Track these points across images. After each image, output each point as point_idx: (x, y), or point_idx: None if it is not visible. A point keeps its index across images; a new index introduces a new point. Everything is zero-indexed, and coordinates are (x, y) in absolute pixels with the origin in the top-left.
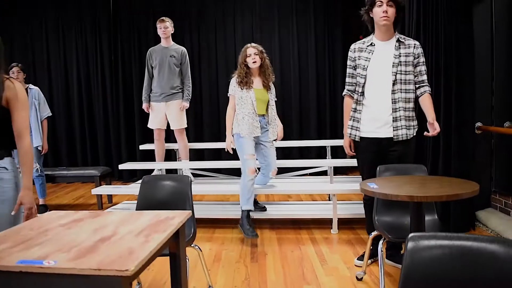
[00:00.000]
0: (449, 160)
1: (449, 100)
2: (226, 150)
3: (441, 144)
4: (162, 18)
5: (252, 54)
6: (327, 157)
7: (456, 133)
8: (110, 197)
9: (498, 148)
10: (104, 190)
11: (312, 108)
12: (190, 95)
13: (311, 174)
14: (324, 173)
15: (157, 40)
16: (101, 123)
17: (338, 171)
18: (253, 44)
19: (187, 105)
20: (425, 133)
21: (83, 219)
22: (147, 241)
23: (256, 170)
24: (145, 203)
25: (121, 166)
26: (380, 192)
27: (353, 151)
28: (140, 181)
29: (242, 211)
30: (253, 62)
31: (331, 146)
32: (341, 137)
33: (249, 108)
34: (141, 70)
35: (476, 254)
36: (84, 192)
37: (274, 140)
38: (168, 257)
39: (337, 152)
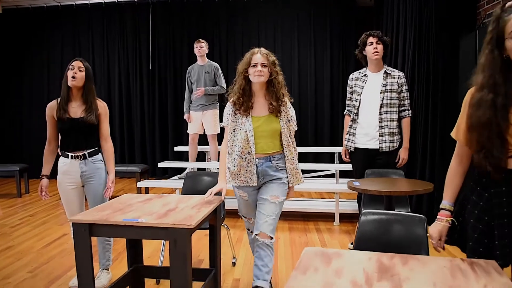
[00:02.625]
0: (434, 167)
1: (435, 119)
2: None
3: (427, 154)
4: (199, 39)
5: (259, 63)
6: (335, 162)
7: (439, 146)
8: (147, 189)
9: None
10: (148, 183)
11: (326, 118)
12: (214, 92)
13: (323, 176)
14: (334, 175)
15: (190, 55)
16: (138, 127)
17: (347, 174)
18: (262, 50)
19: (203, 90)
20: (398, 162)
21: (152, 199)
22: (199, 211)
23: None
24: (189, 192)
25: (160, 164)
26: (359, 188)
27: (348, 157)
28: (175, 177)
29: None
30: (258, 76)
31: (339, 153)
32: None
33: (242, 144)
34: (174, 81)
35: (393, 221)
36: (123, 186)
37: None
38: (207, 230)
39: None
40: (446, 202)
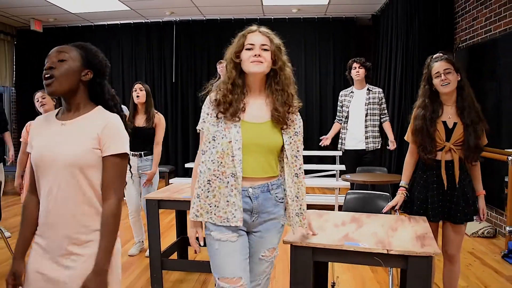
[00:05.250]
0: None
1: None
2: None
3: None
4: (220, 60)
5: (257, 45)
6: (336, 163)
7: None
8: None
9: None
10: (178, 180)
11: (329, 123)
12: None
13: (326, 176)
14: (335, 175)
15: (209, 69)
16: None
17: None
18: (263, 28)
19: None
20: (388, 147)
21: None
22: None
23: None
24: None
25: (187, 165)
26: (350, 179)
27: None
28: None
29: None
30: (256, 63)
31: (339, 156)
32: None
33: (223, 161)
34: (195, 91)
35: (370, 197)
36: None
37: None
38: None
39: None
40: (403, 182)
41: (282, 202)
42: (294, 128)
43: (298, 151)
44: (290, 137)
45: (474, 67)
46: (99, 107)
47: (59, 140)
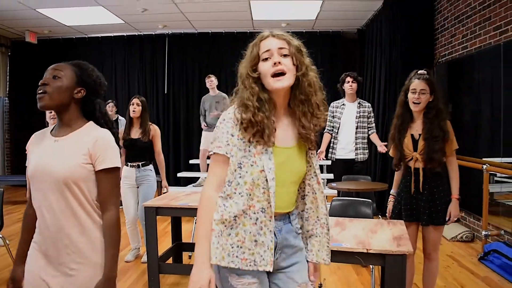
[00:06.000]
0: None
1: None
2: None
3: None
4: (209, 75)
5: (274, 51)
6: (323, 172)
7: None
8: None
9: None
10: (171, 189)
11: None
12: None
13: None
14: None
15: (200, 81)
16: None
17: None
18: (275, 31)
19: (219, 113)
20: (379, 150)
21: (191, 194)
22: None
23: None
24: None
25: (180, 174)
26: (336, 187)
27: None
28: (190, 185)
29: None
30: (277, 77)
31: (327, 165)
32: None
33: (253, 193)
34: (186, 103)
35: (353, 204)
36: None
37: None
38: None
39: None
40: (393, 190)
41: (299, 234)
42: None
43: (317, 172)
44: (314, 159)
45: (453, 81)
46: (91, 122)
47: (52, 156)
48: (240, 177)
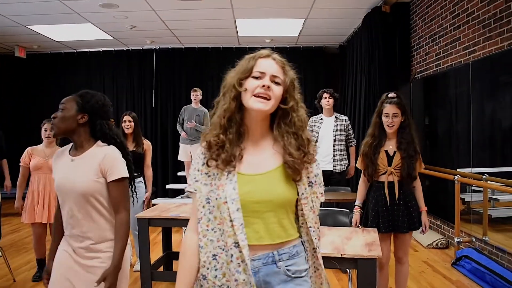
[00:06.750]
0: None
1: None
2: None
3: None
4: (195, 88)
5: (268, 75)
6: None
7: None
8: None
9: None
10: (160, 201)
11: None
12: (201, 130)
13: None
14: None
15: (187, 95)
16: None
17: None
18: (275, 55)
19: (194, 124)
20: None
21: (181, 205)
22: None
23: None
24: None
25: (168, 186)
26: None
27: None
28: (178, 196)
29: None
30: (260, 100)
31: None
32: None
33: (224, 230)
34: (174, 116)
35: (332, 213)
36: None
37: None
38: None
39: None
40: (358, 201)
41: (300, 277)
42: (307, 176)
43: (314, 206)
44: (306, 188)
45: (428, 96)
46: (98, 142)
47: (71, 173)
48: (209, 212)
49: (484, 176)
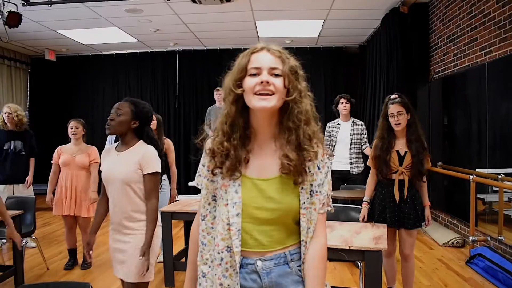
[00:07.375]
0: None
1: None
2: None
3: None
4: (217, 88)
5: (264, 70)
6: None
7: None
8: None
9: (431, 180)
10: (184, 197)
11: None
12: None
13: None
14: None
15: (209, 95)
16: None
17: None
18: (271, 46)
19: None
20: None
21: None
22: None
23: None
24: None
25: (190, 183)
26: (332, 196)
27: None
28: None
29: None
30: (261, 97)
31: None
32: None
33: (222, 233)
34: (196, 116)
35: (345, 210)
36: None
37: None
38: None
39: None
40: (366, 197)
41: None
42: (311, 181)
43: (317, 215)
44: (307, 198)
45: (446, 97)
46: (141, 141)
47: (116, 165)
48: (215, 210)
49: (500, 176)
